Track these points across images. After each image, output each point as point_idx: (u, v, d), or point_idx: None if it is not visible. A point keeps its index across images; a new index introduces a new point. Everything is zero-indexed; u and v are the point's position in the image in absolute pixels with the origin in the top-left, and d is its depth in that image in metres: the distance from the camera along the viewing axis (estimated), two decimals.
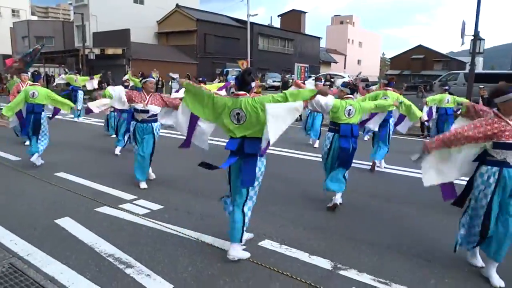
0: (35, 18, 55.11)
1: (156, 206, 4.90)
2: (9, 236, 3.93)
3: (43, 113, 6.85)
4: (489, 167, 3.19)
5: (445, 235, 4.13)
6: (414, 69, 51.57)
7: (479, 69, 50.40)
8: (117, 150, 8.08)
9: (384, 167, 7.33)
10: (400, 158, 7.52)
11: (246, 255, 3.55)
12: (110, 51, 27.41)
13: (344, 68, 54.72)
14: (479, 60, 61.48)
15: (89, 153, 8.17)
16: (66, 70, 23.67)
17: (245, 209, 3.47)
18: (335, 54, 55.42)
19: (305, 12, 48.56)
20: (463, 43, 12.68)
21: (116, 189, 5.58)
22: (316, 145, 9.35)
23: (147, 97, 5.56)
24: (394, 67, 55.22)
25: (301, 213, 4.84)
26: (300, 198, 5.48)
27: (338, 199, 5.00)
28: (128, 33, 28.92)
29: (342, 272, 3.36)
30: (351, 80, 11.58)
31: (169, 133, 10.18)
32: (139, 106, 5.53)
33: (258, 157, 3.41)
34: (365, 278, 3.27)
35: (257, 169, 3.40)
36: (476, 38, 12.58)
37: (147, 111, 5.57)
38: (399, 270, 3.43)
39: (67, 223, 4.29)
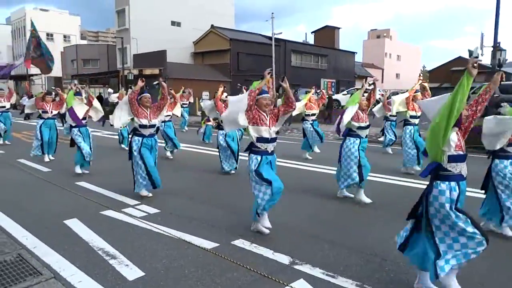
0: (84, 42, 59.16)
1: (153, 210, 5.47)
2: (23, 232, 4.62)
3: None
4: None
5: None
6: (454, 82, 49.93)
7: None
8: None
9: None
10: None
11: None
12: (148, 71, 28.96)
13: (382, 82, 54.14)
14: None
15: (107, 164, 8.97)
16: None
17: None
18: (372, 69, 54.96)
19: (338, 28, 48.80)
20: (482, 54, 12.70)
21: (123, 195, 6.21)
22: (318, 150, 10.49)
23: (147, 112, 5.96)
24: (433, 79, 53.82)
25: (276, 215, 5.18)
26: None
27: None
28: (164, 54, 30.50)
29: (296, 267, 3.73)
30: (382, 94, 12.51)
31: (187, 147, 10.83)
32: (145, 121, 5.91)
33: None
34: (316, 272, 3.63)
35: None
36: (497, 49, 12.44)
37: (154, 126, 6.06)
38: (349, 265, 3.75)
39: (74, 224, 4.93)
